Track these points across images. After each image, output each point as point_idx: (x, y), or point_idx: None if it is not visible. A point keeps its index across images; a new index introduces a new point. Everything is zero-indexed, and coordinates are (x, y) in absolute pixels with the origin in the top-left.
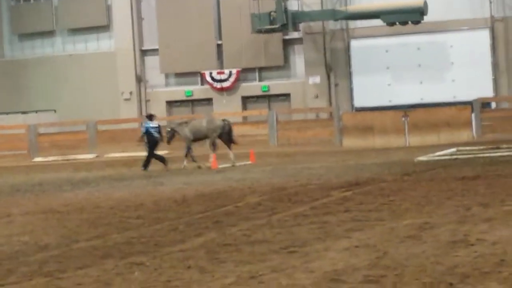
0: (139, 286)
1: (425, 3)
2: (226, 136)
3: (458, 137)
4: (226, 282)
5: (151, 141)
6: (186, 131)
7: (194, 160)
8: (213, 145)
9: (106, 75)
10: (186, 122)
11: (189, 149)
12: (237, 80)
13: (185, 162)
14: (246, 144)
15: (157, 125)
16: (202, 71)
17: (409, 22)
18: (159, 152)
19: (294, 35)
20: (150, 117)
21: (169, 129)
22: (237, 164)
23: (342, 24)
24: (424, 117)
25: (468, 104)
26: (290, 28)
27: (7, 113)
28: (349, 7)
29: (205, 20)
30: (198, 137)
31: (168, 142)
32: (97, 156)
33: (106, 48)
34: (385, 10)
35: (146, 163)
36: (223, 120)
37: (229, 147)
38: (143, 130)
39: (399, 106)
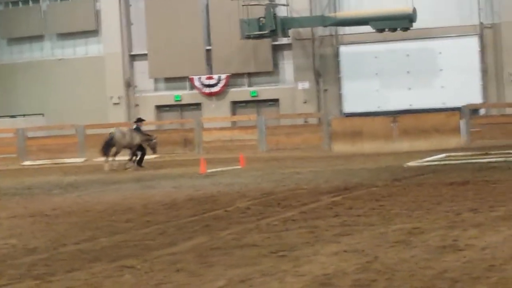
0: None
1: (414, 10)
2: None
3: (447, 143)
4: (216, 285)
5: None
6: None
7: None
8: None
9: (94, 79)
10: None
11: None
12: (226, 85)
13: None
14: (235, 149)
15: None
16: (191, 76)
17: (398, 29)
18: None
19: (283, 41)
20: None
21: None
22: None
23: (331, 30)
24: (413, 123)
25: (457, 110)
26: (279, 34)
27: None
28: (338, 13)
29: (194, 25)
30: None
31: None
32: (86, 160)
33: (95, 53)
34: (374, 16)
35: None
36: (111, 132)
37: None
38: None
39: (388, 112)
